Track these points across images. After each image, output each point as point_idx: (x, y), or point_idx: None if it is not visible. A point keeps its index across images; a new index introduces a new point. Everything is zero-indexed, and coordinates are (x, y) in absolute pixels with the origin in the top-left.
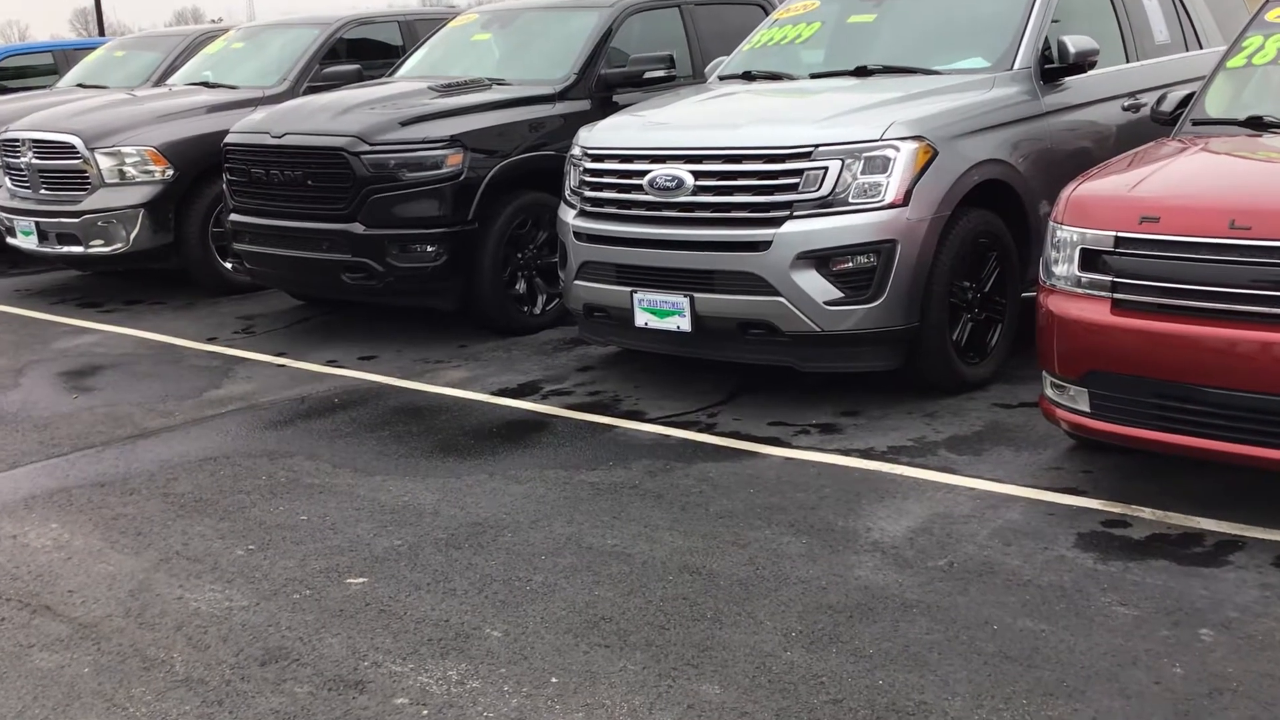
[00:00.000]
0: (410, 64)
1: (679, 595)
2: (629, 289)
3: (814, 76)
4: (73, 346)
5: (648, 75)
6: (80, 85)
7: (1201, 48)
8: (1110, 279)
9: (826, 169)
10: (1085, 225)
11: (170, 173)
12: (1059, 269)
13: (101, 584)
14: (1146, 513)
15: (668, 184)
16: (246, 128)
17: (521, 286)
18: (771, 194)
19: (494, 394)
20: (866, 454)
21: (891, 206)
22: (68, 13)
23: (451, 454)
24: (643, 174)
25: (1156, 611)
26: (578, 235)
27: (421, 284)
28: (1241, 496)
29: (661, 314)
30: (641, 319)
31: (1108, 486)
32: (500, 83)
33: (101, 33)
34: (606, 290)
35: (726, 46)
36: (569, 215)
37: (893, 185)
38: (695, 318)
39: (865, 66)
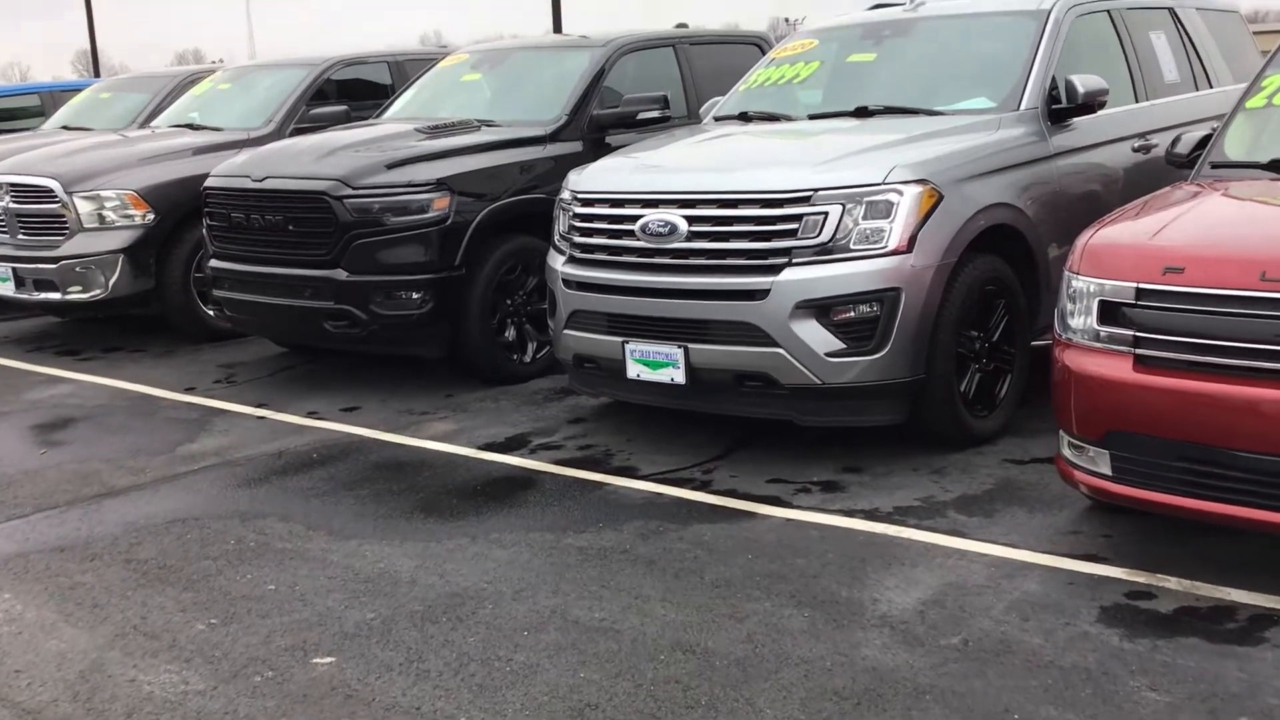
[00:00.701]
0: (399, 105)
1: (671, 678)
2: (620, 339)
3: (813, 117)
4: (46, 397)
5: (641, 116)
6: (65, 127)
7: (1211, 87)
8: (1132, 333)
9: (827, 214)
10: (1104, 275)
11: (151, 217)
12: (1075, 321)
13: (51, 663)
14: (1173, 582)
15: (661, 229)
16: (227, 171)
17: (511, 334)
18: (769, 240)
19: (480, 448)
20: (871, 515)
21: (895, 253)
22: (70, 54)
23: (433, 515)
24: (635, 219)
25: (1190, 697)
26: (567, 282)
27: (407, 332)
28: (1275, 565)
29: (655, 365)
30: (634, 370)
31: (1130, 552)
32: (490, 124)
33: (97, 74)
34: (597, 340)
35: (721, 87)
36: (558, 261)
37: (896, 231)
38: (690, 369)
39: (866, 107)
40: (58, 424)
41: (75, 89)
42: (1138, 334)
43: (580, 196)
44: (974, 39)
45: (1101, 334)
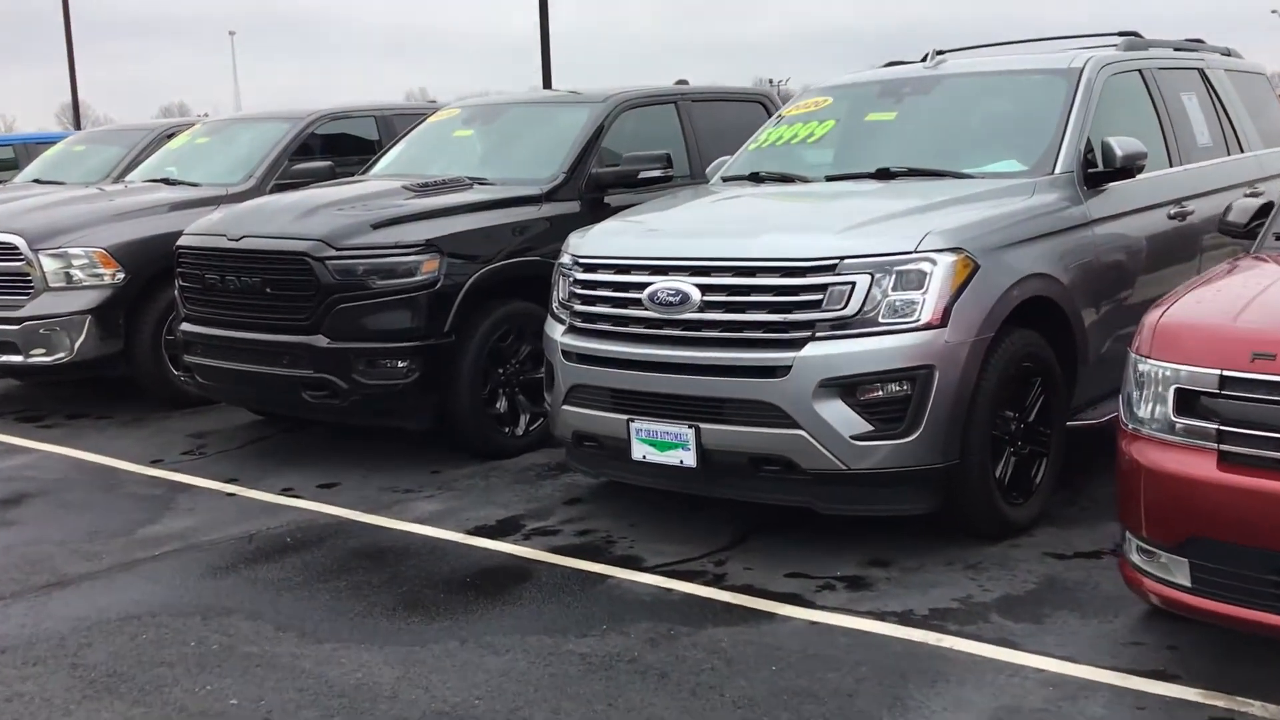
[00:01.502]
0: (385, 161)
1: None
2: (625, 417)
3: (830, 179)
4: (2, 470)
5: (643, 175)
6: (37, 181)
7: (1243, 150)
8: (1215, 427)
9: (854, 284)
10: (1180, 360)
11: (121, 276)
12: (1145, 410)
13: None
14: (1257, 707)
15: (670, 299)
16: (201, 229)
17: (502, 405)
18: (790, 312)
19: (469, 532)
20: (905, 619)
21: (928, 327)
22: (55, 106)
23: (417, 612)
24: (641, 287)
25: None
26: (567, 354)
27: (391, 403)
28: None
29: (662, 446)
30: (639, 451)
31: (1201, 669)
32: (482, 182)
33: (78, 127)
34: (599, 418)
35: (725, 146)
36: (557, 331)
37: (929, 303)
38: (701, 451)
39: (888, 169)
40: (11, 500)
41: (50, 141)
42: (1222, 428)
43: (582, 261)
44: (1001, 98)
45: (1179, 426)
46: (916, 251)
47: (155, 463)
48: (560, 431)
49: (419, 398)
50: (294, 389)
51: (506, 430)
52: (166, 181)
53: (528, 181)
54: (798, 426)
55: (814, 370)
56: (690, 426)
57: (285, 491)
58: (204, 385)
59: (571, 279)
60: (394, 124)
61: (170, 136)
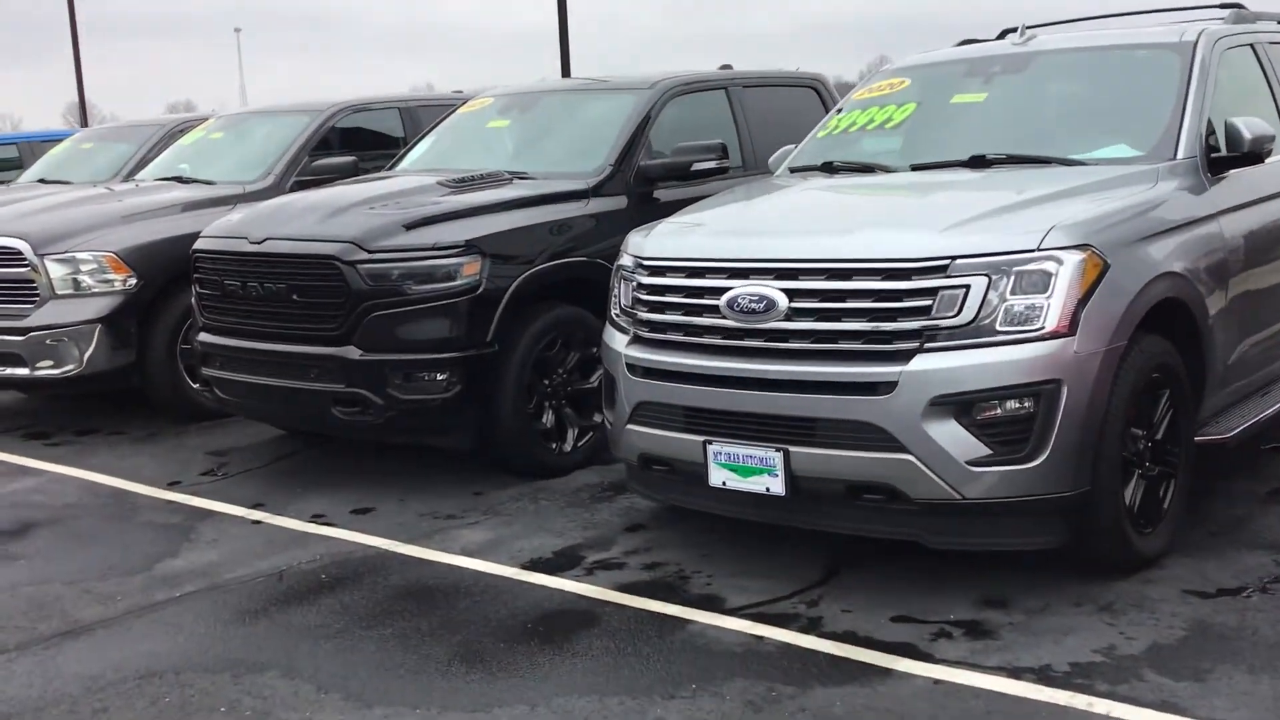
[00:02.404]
0: (414, 155)
1: None
2: (701, 439)
3: (916, 168)
4: (5, 494)
5: (696, 167)
6: (42, 181)
7: None
8: None
9: (968, 287)
10: None
11: (133, 282)
12: None
13: None
14: None
15: (754, 305)
16: (220, 231)
17: (549, 419)
18: (895, 320)
19: (524, 566)
20: (1045, 676)
21: (1054, 336)
22: (61, 105)
23: (477, 668)
24: (719, 292)
25: None
26: (632, 367)
27: (430, 419)
28: None
29: (745, 472)
30: (718, 477)
31: None
32: (522, 176)
33: (85, 125)
34: (671, 439)
35: (777, 134)
36: (618, 342)
37: (1055, 308)
38: (791, 478)
39: (983, 156)
40: (16, 530)
41: (56, 139)
42: None
43: (647, 264)
44: (1105, 76)
45: None
46: (1040, 250)
47: (173, 484)
48: (624, 453)
49: (460, 413)
50: (323, 405)
51: (553, 446)
52: (179, 180)
53: (571, 175)
54: (904, 450)
55: (924, 386)
56: (778, 450)
57: (315, 518)
58: (224, 400)
59: (635, 283)
60: (419, 116)
61: (182, 132)
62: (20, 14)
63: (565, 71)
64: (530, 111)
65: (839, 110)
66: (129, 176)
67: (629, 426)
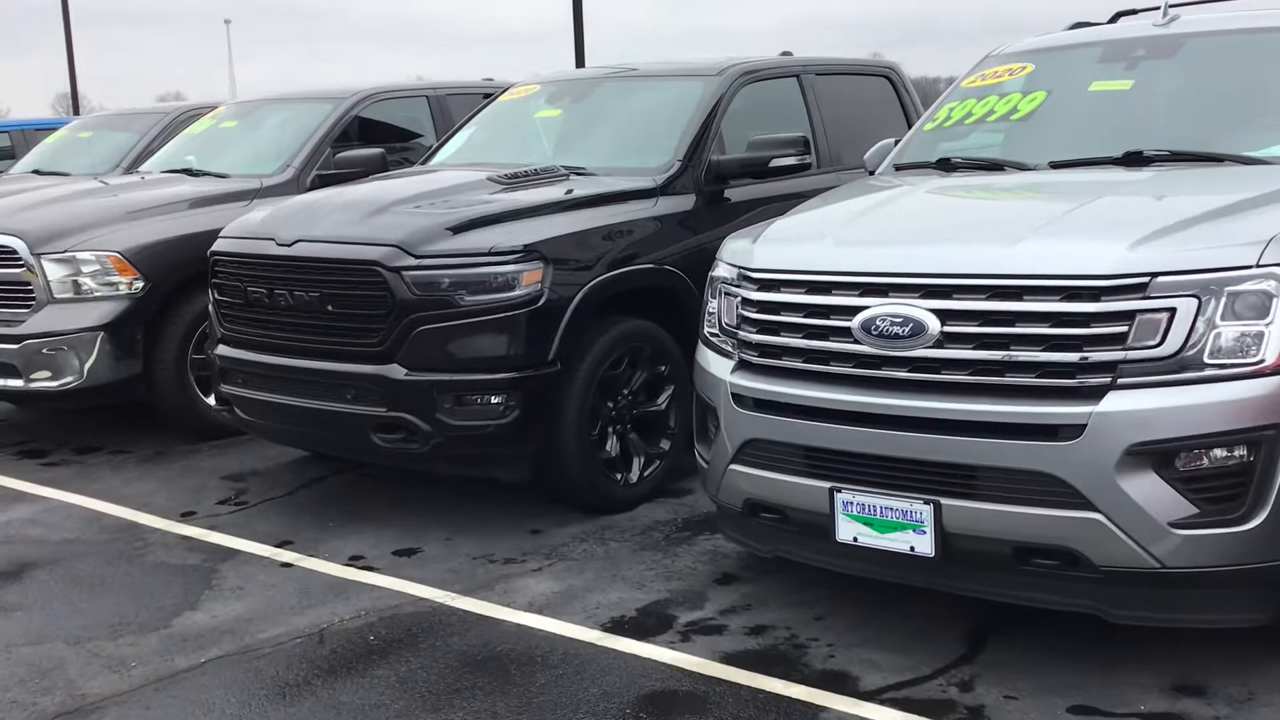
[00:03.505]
0: (452, 147)
1: None
2: (827, 485)
3: (1057, 166)
4: None
5: (775, 163)
6: (36, 172)
7: None
8: None
9: (1173, 311)
10: None
11: (139, 285)
12: None
13: None
14: None
15: (896, 329)
16: (243, 231)
17: (613, 447)
18: (1081, 349)
19: (607, 629)
20: None
21: (1275, 372)
22: (50, 96)
23: None
24: (851, 311)
25: None
26: (738, 398)
27: (483, 448)
28: None
29: (884, 526)
30: (848, 531)
31: None
32: (579, 172)
33: (77, 115)
34: (786, 484)
35: (850, 128)
36: (719, 366)
37: (1276, 337)
38: (942, 536)
39: (1140, 153)
40: (11, 572)
41: (50, 128)
42: None
43: (757, 276)
44: (1273, 61)
45: None
46: (1259, 266)
47: (187, 516)
48: (723, 497)
49: (517, 441)
50: (361, 430)
51: (618, 477)
52: (188, 172)
53: (635, 171)
54: (1091, 508)
55: (1119, 431)
56: (927, 503)
57: (354, 561)
58: (245, 422)
59: (739, 299)
60: (448, 105)
61: (190, 120)
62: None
63: (579, 64)
64: (585, 100)
65: (944, 99)
66: (132, 168)
67: (733, 467)
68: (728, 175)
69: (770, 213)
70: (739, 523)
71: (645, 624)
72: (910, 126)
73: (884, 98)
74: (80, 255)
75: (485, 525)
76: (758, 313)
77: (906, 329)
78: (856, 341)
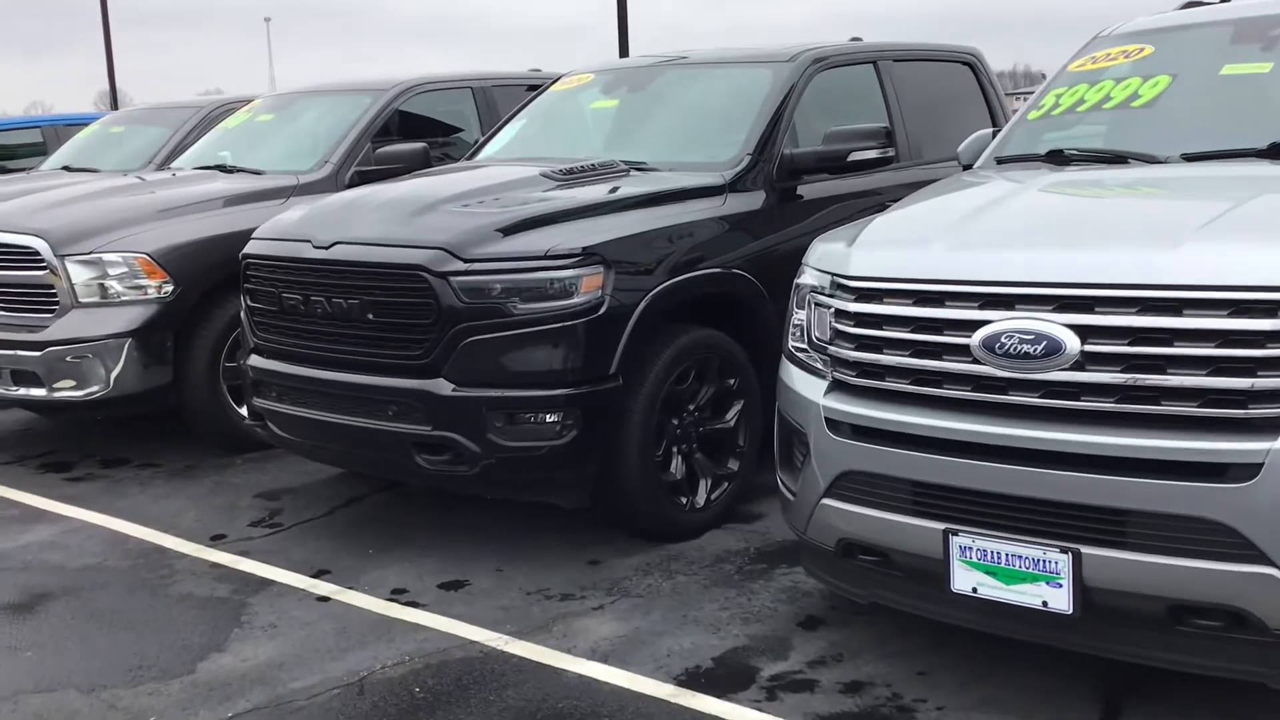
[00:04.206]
0: (500, 141)
1: None
2: (941, 526)
3: (1191, 159)
4: (15, 548)
5: (855, 157)
6: (66, 168)
7: None
8: None
9: None
10: None
11: (170, 288)
12: None
13: None
14: None
15: (1026, 347)
16: (277, 233)
17: (678, 468)
18: (1254, 373)
19: (681, 682)
20: None
21: None
22: (92, 94)
23: None
24: (970, 326)
25: None
26: (834, 424)
27: (537, 471)
28: None
29: (1010, 577)
30: (966, 580)
31: None
32: (640, 167)
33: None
34: (891, 523)
35: (930, 118)
36: (809, 387)
37: None
38: (1081, 589)
39: None
40: (25, 604)
41: (83, 123)
42: None
43: (855, 285)
44: None
45: None
46: None
47: (217, 539)
48: (815, 535)
49: (575, 464)
50: (404, 450)
51: (683, 501)
52: (222, 169)
53: (702, 166)
54: (1264, 561)
55: None
56: (1064, 551)
57: (397, 595)
58: (280, 439)
59: (833, 310)
60: (494, 97)
61: (223, 115)
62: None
63: (624, 54)
64: (644, 90)
65: (1049, 85)
66: (164, 164)
67: (826, 502)
68: (801, 170)
69: (846, 211)
70: (831, 564)
71: (724, 677)
72: (994, 116)
73: (965, 85)
74: (107, 257)
75: (538, 554)
76: (855, 327)
77: (1039, 348)
78: (977, 361)
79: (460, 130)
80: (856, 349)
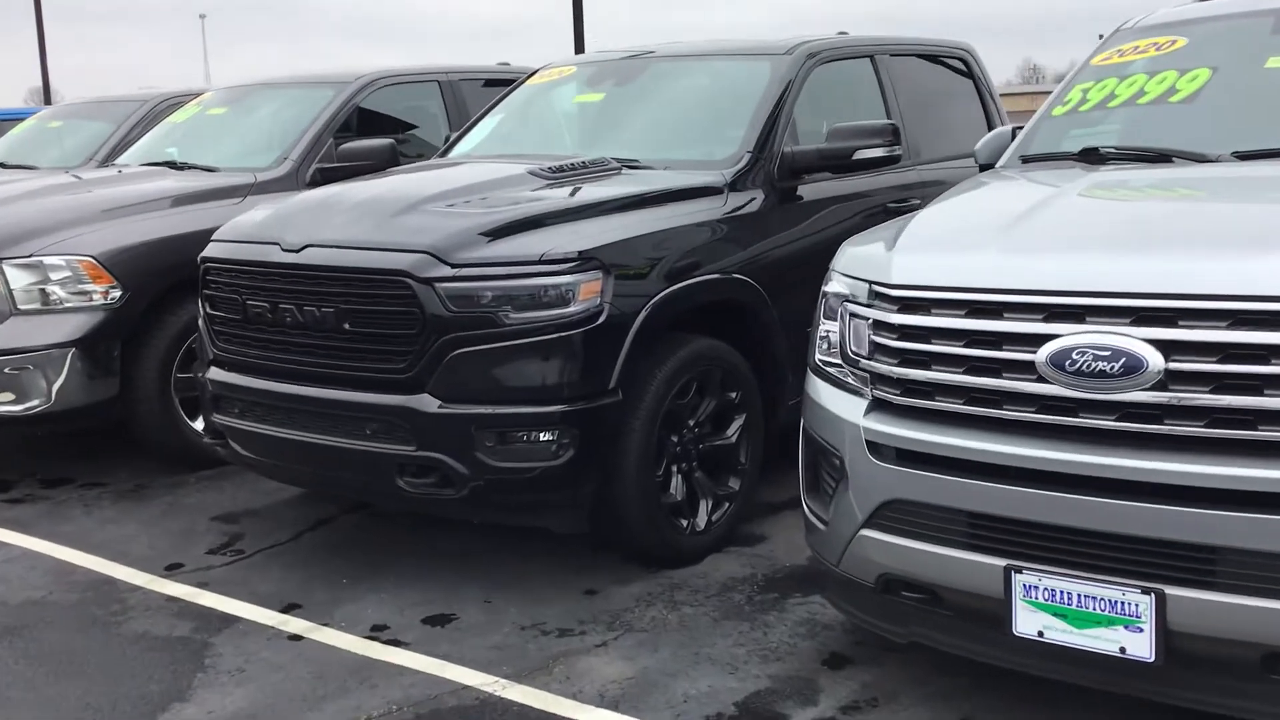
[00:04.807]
0: (476, 137)
1: None
2: (1003, 563)
3: (1242, 157)
4: None
5: (860, 155)
6: (1, 165)
7: None
8: None
9: None
10: None
11: (117, 294)
12: None
13: None
14: None
15: (1102, 364)
16: (240, 235)
17: (678, 489)
18: None
19: None
20: None
21: None
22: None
23: None
24: (1034, 341)
25: None
26: (876, 448)
27: (530, 494)
28: None
29: (1083, 620)
30: (1032, 623)
31: None
32: (632, 165)
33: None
34: (943, 559)
35: (927, 115)
36: (844, 405)
37: None
38: (1164, 634)
39: None
40: None
41: (18, 118)
42: None
43: (899, 294)
44: None
45: None
46: None
47: (172, 569)
48: (851, 568)
49: (571, 486)
50: (384, 472)
51: (683, 524)
52: (171, 165)
53: (699, 164)
54: None
55: None
56: (1146, 592)
57: (376, 632)
58: (243, 458)
59: (871, 321)
60: (461, 91)
61: (171, 109)
62: None
63: (579, 47)
64: (632, 83)
65: (1073, 79)
66: (107, 161)
67: (865, 533)
68: (803, 169)
69: (848, 213)
70: (867, 600)
71: None
72: (989, 115)
73: (959, 81)
74: (48, 260)
75: (528, 582)
76: (899, 340)
77: (1116, 365)
78: (1043, 379)
79: (416, 127)
80: (900, 364)
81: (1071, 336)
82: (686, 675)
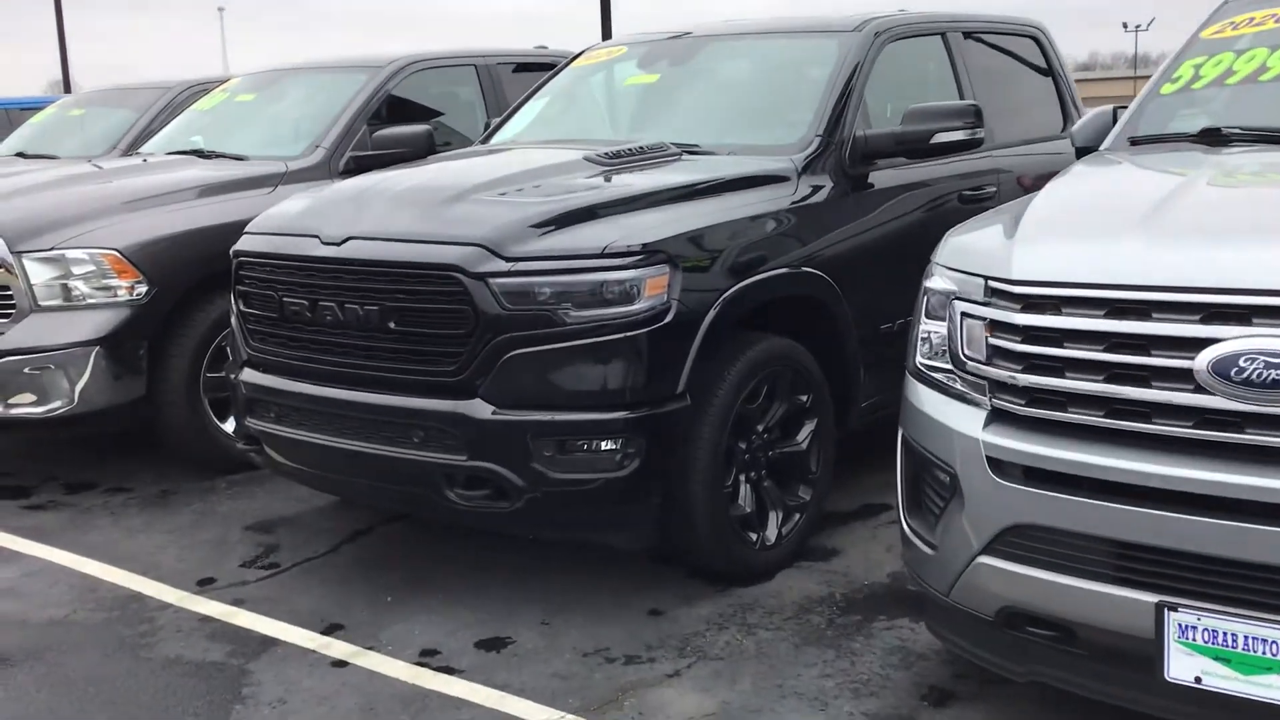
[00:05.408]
0: (521, 122)
1: None
2: (1154, 599)
3: None
4: None
5: (939, 139)
6: (21, 155)
7: None
8: None
9: None
10: None
11: (143, 289)
12: None
13: None
14: None
15: (1276, 374)
16: (276, 227)
17: (747, 500)
18: None
19: None
20: None
21: None
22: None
23: None
24: (1191, 345)
25: None
26: (998, 464)
27: (591, 508)
28: None
29: (1251, 665)
30: (1187, 667)
31: None
32: (692, 150)
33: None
34: (1080, 592)
35: (1000, 97)
36: (957, 416)
37: None
38: None
39: None
40: None
41: (38, 106)
42: None
43: (1022, 291)
44: None
45: None
46: None
47: (205, 584)
48: (965, 599)
49: (637, 498)
50: (432, 483)
51: (753, 537)
52: (198, 154)
53: (766, 149)
54: None
55: None
56: None
57: (427, 657)
58: (279, 465)
59: (987, 321)
60: (499, 77)
61: (196, 96)
62: None
63: (606, 34)
64: (689, 63)
65: (1182, 54)
66: (130, 150)
67: (984, 560)
68: (876, 154)
69: (921, 201)
70: (982, 634)
71: None
72: (1062, 97)
73: (1031, 62)
74: (70, 253)
75: (586, 601)
76: (1024, 343)
77: None
78: (1202, 390)
79: (443, 114)
80: (1027, 370)
81: (1236, 341)
82: (772, 711)
